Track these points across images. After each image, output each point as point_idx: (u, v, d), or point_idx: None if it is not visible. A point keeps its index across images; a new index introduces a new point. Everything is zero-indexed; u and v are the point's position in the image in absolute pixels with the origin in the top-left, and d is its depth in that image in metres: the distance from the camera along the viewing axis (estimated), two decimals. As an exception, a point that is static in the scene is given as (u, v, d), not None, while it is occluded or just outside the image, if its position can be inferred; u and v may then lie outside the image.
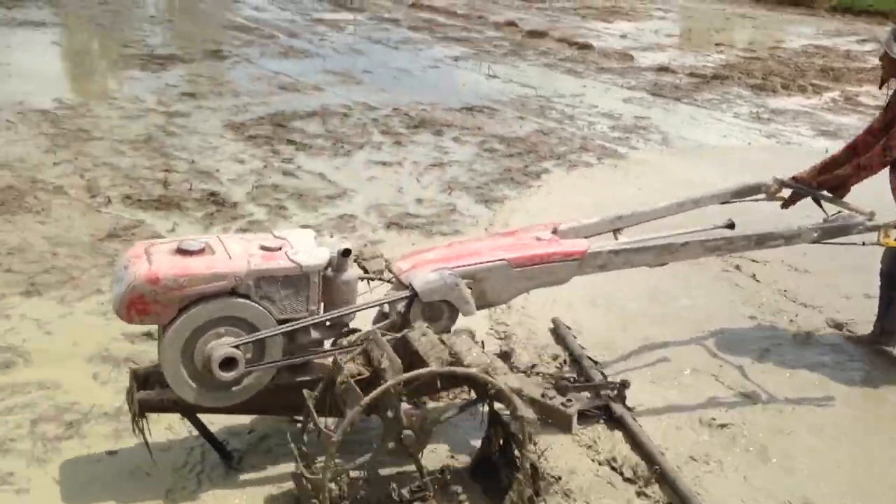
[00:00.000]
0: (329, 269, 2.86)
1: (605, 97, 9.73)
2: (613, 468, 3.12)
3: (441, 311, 2.95)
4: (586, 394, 3.43)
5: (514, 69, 11.02)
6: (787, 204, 3.92)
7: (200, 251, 2.75)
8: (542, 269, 3.13)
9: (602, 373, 3.61)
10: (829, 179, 3.83)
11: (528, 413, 2.53)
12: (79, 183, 5.83)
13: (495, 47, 12.53)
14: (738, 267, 5.05)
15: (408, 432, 2.55)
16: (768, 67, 11.71)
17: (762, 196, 3.96)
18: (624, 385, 3.45)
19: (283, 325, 2.76)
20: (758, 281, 4.92)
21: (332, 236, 3.14)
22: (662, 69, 11.45)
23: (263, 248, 2.81)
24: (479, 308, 3.05)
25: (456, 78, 10.37)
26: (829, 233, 3.57)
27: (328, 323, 2.94)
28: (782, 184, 3.90)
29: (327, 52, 11.42)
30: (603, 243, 3.28)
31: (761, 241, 3.46)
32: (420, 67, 10.85)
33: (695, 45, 14.14)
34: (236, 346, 2.68)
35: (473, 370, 2.54)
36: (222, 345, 2.67)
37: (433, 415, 2.64)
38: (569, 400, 3.16)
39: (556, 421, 3.13)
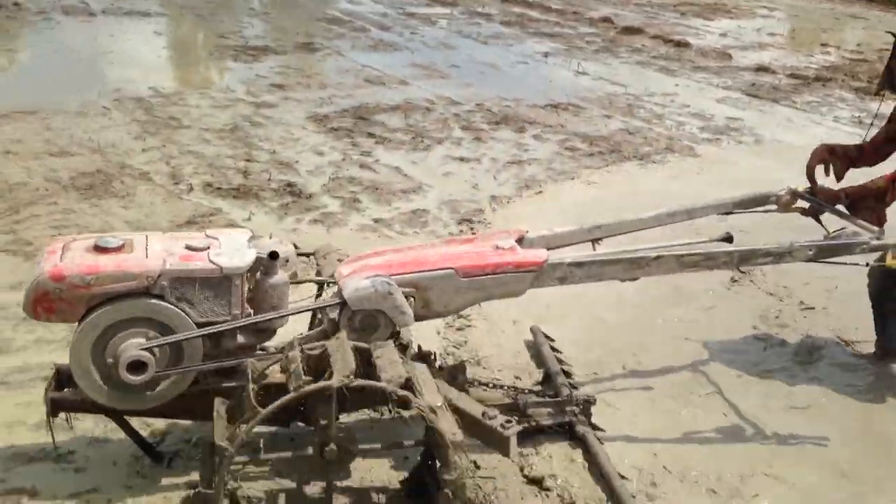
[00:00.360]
0: (259, 273, 2.78)
1: (698, 97, 9.39)
2: (561, 497, 2.96)
3: (376, 320, 2.77)
4: (550, 410, 3.25)
5: (604, 66, 10.78)
6: (810, 213, 3.61)
7: (118, 249, 2.66)
8: (493, 280, 2.90)
9: (572, 387, 3.41)
10: (857, 190, 3.47)
11: (450, 433, 2.35)
12: (164, 169, 6.01)
13: (587, 43, 12.29)
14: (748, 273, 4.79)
15: (331, 446, 2.42)
16: (875, 70, 11.06)
17: (773, 208, 3.60)
18: (588, 402, 3.24)
19: (201, 329, 2.64)
20: (771, 294, 4.67)
21: (270, 237, 3.03)
22: (761, 69, 10.99)
23: (189, 247, 2.70)
24: (423, 318, 2.91)
25: (544, 74, 10.22)
26: (827, 251, 3.22)
27: (257, 328, 2.80)
28: (795, 194, 3.56)
29: (416, 45, 11.45)
30: (565, 254, 3.03)
31: (746, 257, 3.13)
32: (508, 63, 10.74)
33: (799, 45, 13.52)
34: (147, 349, 2.57)
35: (383, 385, 2.37)
36: (132, 347, 2.57)
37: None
38: (508, 421, 2.75)
39: (493, 443, 2.79)
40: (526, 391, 3.34)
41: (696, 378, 3.81)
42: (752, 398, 3.65)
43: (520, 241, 3.12)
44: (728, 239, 3.40)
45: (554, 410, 3.25)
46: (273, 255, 2.77)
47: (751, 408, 3.56)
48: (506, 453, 2.72)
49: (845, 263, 3.37)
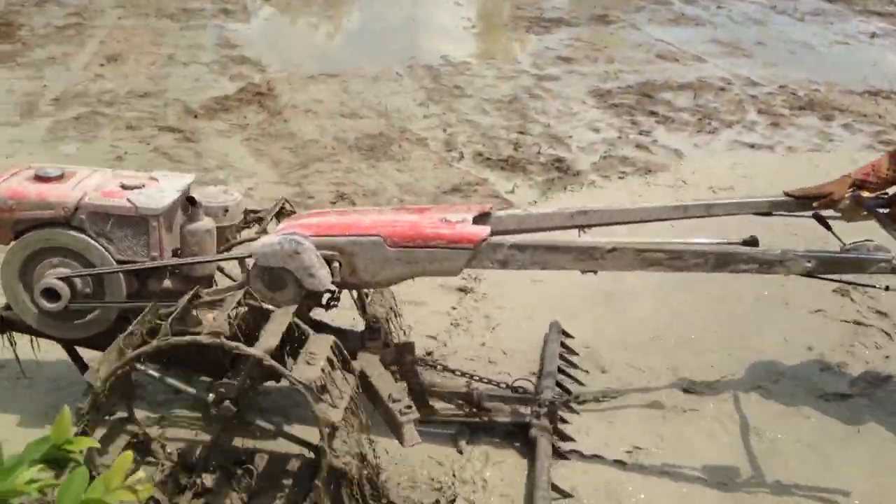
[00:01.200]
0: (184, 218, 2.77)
1: None
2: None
3: (282, 279, 2.58)
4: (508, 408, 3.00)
5: (947, 50, 9.24)
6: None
7: (54, 178, 2.73)
8: (424, 254, 2.62)
9: (565, 391, 3.16)
10: None
11: (321, 411, 2.20)
12: (440, 136, 6.16)
13: (928, 23, 10.62)
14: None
15: (226, 403, 2.35)
16: None
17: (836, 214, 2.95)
18: (553, 404, 2.92)
19: (114, 267, 2.67)
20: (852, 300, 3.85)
21: (226, 190, 3.01)
22: None
23: (122, 185, 2.73)
24: (353, 287, 2.80)
25: (866, 57, 8.98)
26: (831, 265, 2.66)
27: (184, 273, 2.77)
28: (858, 201, 2.90)
29: (722, 20, 10.63)
30: (507, 237, 2.69)
31: (722, 261, 2.60)
32: (825, 42, 9.59)
33: None
34: (63, 279, 2.63)
35: (252, 351, 2.25)
36: (50, 275, 2.65)
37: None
38: (409, 407, 2.52)
39: (393, 428, 2.54)
40: (488, 382, 3.03)
41: (721, 396, 3.27)
42: (778, 427, 3.10)
43: (484, 217, 2.80)
44: (751, 243, 2.79)
45: (513, 408, 3.00)
46: (190, 201, 2.75)
47: (769, 441, 3.02)
48: (401, 440, 2.52)
49: (855, 284, 2.93)
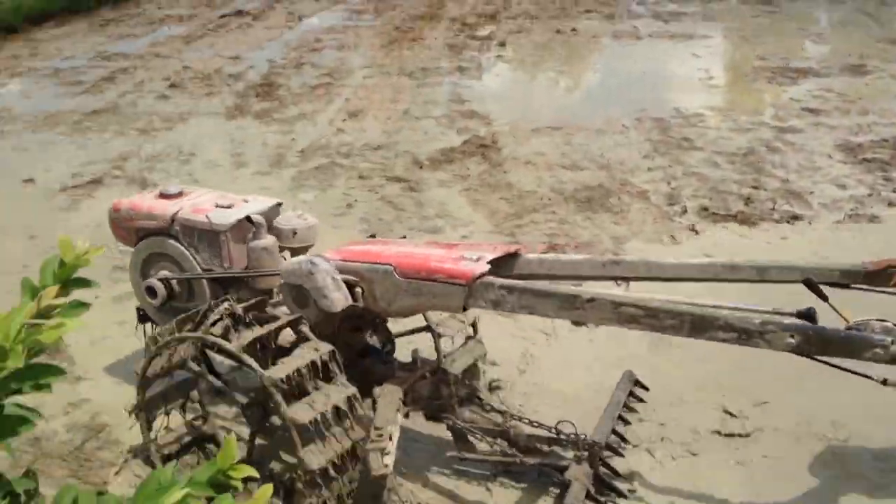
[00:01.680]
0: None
1: None
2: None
3: (305, 297, 2.75)
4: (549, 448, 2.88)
5: None
6: None
7: (172, 195, 3.26)
8: (427, 287, 2.66)
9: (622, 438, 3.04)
10: None
11: (304, 454, 2.33)
12: (663, 189, 5.90)
13: None
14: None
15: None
16: None
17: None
18: (596, 446, 2.75)
19: (202, 274, 3.11)
20: None
21: (300, 215, 3.21)
22: None
23: (215, 205, 3.15)
24: (375, 313, 2.86)
25: None
26: (818, 344, 2.18)
27: (252, 286, 3.12)
28: None
29: None
30: (498, 279, 2.61)
31: (699, 326, 2.27)
32: None
33: None
34: (161, 280, 3.14)
35: (231, 349, 2.47)
36: (153, 276, 3.19)
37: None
38: (380, 435, 2.40)
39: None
40: (530, 422, 2.92)
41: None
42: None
43: (513, 258, 2.85)
44: (807, 315, 2.28)
45: (552, 450, 2.89)
46: (248, 219, 3.07)
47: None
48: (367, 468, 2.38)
49: (843, 369, 2.34)
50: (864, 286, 2.44)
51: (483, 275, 2.61)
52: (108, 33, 12.41)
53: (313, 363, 2.48)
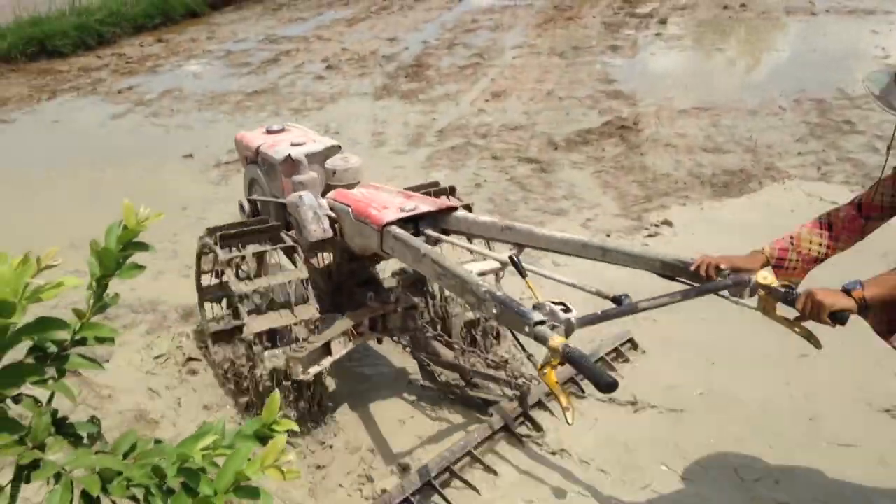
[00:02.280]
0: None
1: None
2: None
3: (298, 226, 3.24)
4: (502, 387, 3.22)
5: None
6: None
7: (274, 132, 3.68)
8: (363, 227, 3.01)
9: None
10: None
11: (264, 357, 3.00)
12: (811, 175, 5.51)
13: None
14: None
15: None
16: None
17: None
18: (525, 391, 3.11)
19: (262, 197, 3.61)
20: None
21: (345, 157, 3.42)
22: None
23: (292, 143, 3.46)
24: (351, 248, 3.21)
25: None
26: (505, 315, 2.25)
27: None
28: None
29: None
30: (397, 228, 2.89)
31: (459, 290, 2.54)
32: None
33: None
34: (249, 200, 3.74)
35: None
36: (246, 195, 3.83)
37: None
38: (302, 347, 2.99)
39: None
40: (486, 359, 3.28)
41: None
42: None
43: (447, 212, 3.07)
44: (617, 301, 2.22)
45: (501, 387, 3.23)
46: (287, 157, 3.36)
47: None
48: None
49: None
50: (686, 280, 2.39)
51: (390, 223, 2.89)
52: (279, 17, 13.12)
53: (281, 284, 3.05)
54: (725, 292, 2.31)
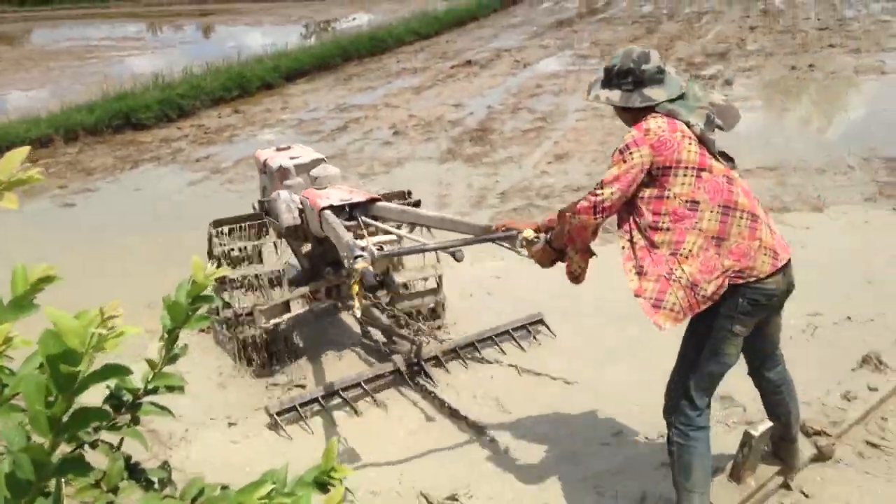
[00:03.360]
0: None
1: None
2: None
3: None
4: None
5: None
6: None
7: (281, 149, 4.49)
8: (312, 214, 3.83)
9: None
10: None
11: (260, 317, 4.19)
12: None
13: None
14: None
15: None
16: None
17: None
18: (418, 344, 4.05)
19: (258, 199, 4.48)
20: None
21: (325, 168, 4.25)
22: None
23: (290, 157, 4.31)
24: (315, 232, 3.94)
25: None
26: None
27: None
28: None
29: None
30: (327, 212, 3.72)
31: None
32: None
33: None
34: (260, 201, 4.41)
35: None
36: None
37: None
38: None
39: None
40: (406, 324, 4.33)
41: None
42: None
43: (372, 202, 3.87)
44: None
45: (411, 346, 4.10)
46: (280, 167, 4.19)
47: None
48: None
49: None
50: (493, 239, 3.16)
51: (324, 208, 3.70)
52: (349, 87, 13.61)
53: (256, 274, 4.30)
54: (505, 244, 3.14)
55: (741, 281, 2.44)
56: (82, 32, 27.33)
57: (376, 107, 11.57)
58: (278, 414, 3.67)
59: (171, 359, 1.61)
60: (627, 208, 2.59)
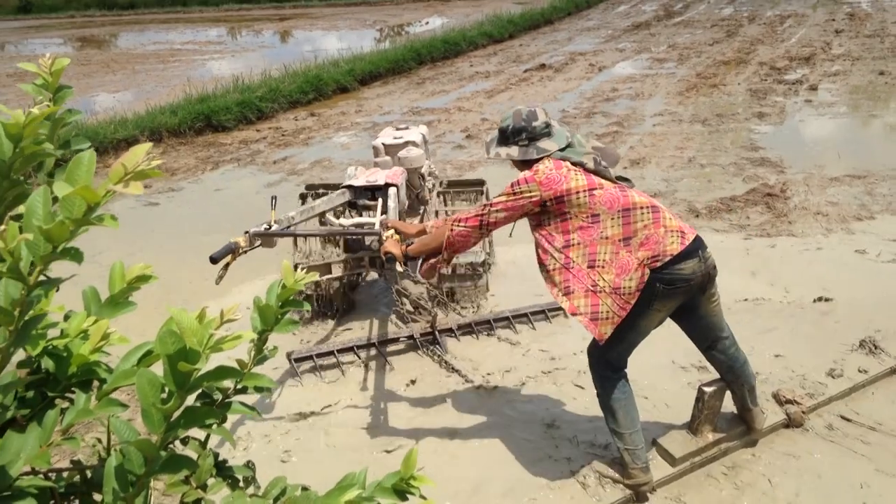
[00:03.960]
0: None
1: None
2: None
3: None
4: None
5: None
6: None
7: (401, 128, 4.83)
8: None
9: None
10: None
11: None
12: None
13: None
14: None
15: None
16: None
17: None
18: (433, 316, 4.45)
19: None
20: None
21: (409, 150, 4.55)
22: None
23: (394, 137, 4.67)
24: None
25: None
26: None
27: None
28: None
29: None
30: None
31: None
32: None
33: None
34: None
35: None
36: None
37: None
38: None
39: None
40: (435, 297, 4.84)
41: None
42: None
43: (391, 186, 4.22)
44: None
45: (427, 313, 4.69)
46: (374, 147, 4.62)
47: None
48: None
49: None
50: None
51: (345, 187, 4.19)
52: (423, 90, 13.69)
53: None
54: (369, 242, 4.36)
55: (658, 264, 2.71)
56: (166, 36, 28.23)
57: (449, 110, 11.59)
58: (296, 360, 4.20)
59: (261, 360, 1.63)
60: (539, 244, 2.91)
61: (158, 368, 1.28)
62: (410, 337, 4.44)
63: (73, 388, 1.54)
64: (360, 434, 3.68)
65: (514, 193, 2.89)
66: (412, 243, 3.26)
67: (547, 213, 2.88)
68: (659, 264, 2.70)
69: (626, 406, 3.03)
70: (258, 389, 1.62)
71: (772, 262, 5.21)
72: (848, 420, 3.46)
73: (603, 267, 2.76)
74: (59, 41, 29.13)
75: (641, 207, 2.77)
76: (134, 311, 1.56)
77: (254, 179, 8.57)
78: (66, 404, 1.56)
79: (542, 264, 2.90)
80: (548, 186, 2.82)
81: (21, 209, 1.54)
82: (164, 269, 5.74)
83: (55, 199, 1.09)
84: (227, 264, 3.31)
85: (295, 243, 4.90)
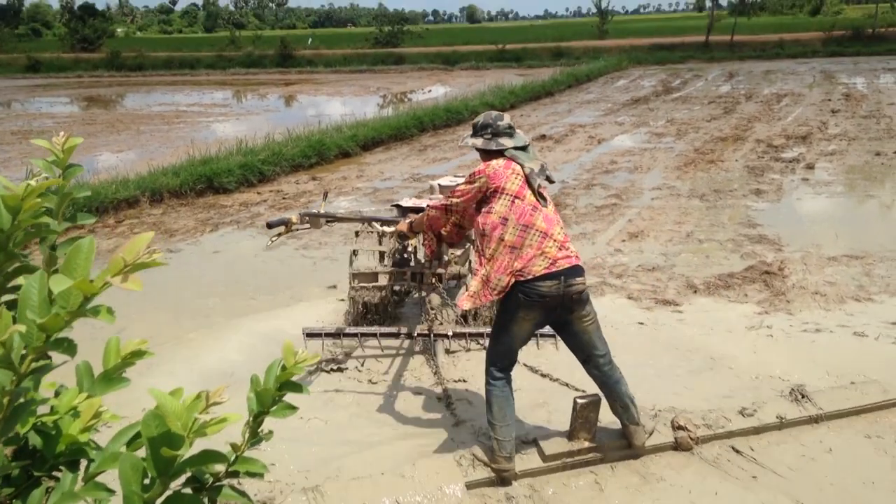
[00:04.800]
0: None
1: None
2: None
3: None
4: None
5: None
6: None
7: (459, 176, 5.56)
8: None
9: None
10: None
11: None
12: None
13: None
14: None
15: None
16: None
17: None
18: (433, 317, 5.06)
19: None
20: None
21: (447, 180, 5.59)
22: None
23: (438, 184, 5.51)
24: None
25: None
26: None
27: None
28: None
29: None
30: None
31: None
32: None
33: None
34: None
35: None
36: None
37: None
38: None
39: None
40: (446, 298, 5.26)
41: None
42: None
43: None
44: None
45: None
46: (430, 186, 5.66)
47: None
48: None
49: None
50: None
51: (394, 205, 5.27)
52: (424, 157, 13.85)
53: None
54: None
55: (522, 278, 3.41)
56: (172, 98, 28.66)
57: (450, 178, 11.68)
58: (308, 335, 4.93)
59: (255, 442, 1.59)
60: (475, 226, 3.61)
61: (148, 455, 1.25)
62: (408, 334, 5.01)
63: (60, 467, 1.50)
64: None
65: (470, 183, 3.60)
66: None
67: (485, 200, 3.55)
68: (523, 278, 3.41)
69: (501, 403, 3.62)
70: (250, 474, 1.58)
71: (768, 340, 5.18)
72: (739, 453, 3.81)
73: (489, 259, 3.49)
74: (65, 100, 29.57)
75: (537, 230, 3.43)
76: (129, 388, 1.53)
77: (253, 242, 8.58)
78: (52, 483, 1.51)
79: (472, 242, 3.78)
80: (493, 179, 3.50)
81: (20, 280, 1.52)
82: (154, 331, 5.69)
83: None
84: (280, 234, 4.82)
85: (352, 259, 5.62)
